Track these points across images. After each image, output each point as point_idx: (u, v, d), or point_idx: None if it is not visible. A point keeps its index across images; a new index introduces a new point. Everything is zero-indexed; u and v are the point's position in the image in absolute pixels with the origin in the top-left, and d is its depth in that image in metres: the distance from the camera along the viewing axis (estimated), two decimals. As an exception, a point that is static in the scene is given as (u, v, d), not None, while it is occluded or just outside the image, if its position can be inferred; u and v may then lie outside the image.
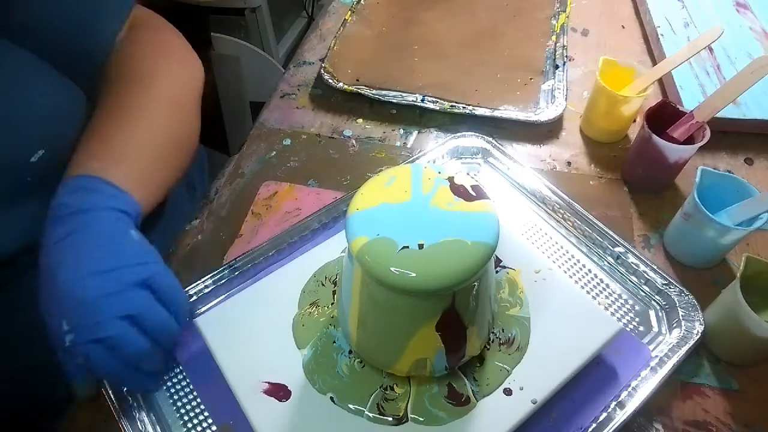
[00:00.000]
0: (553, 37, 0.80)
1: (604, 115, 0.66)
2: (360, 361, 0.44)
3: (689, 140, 0.58)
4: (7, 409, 0.55)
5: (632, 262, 0.53)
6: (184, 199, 0.71)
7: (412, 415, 0.42)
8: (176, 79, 0.55)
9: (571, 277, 0.53)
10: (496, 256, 0.49)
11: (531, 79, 0.74)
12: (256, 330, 0.46)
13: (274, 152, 0.68)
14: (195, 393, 0.47)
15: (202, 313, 0.51)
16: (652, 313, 0.51)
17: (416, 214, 0.37)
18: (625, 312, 0.51)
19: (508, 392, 0.43)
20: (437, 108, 0.70)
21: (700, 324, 0.48)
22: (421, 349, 0.40)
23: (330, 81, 0.73)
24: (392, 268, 0.35)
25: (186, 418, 0.45)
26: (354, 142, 0.69)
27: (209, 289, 0.53)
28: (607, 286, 0.53)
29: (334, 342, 0.45)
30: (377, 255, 0.35)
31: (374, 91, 0.72)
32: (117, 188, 0.44)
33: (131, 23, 0.57)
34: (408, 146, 0.68)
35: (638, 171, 0.62)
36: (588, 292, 0.52)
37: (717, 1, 0.84)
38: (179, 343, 0.45)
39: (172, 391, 0.47)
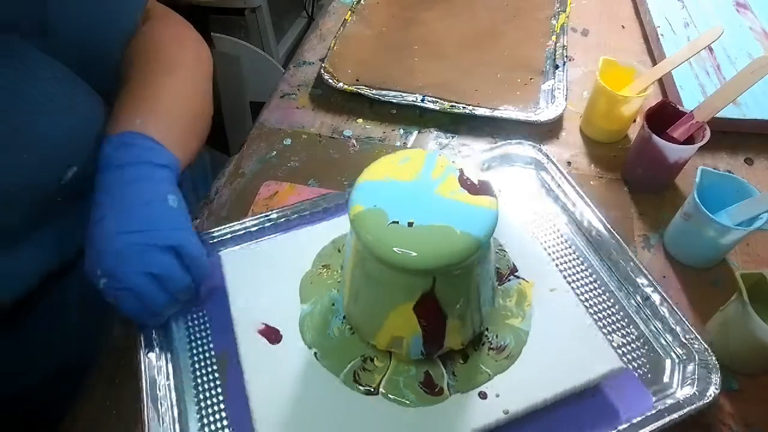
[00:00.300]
0: (553, 37, 0.80)
1: (604, 115, 0.66)
2: (350, 328, 0.46)
3: (689, 140, 0.58)
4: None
5: (661, 308, 0.49)
6: (189, 201, 0.71)
7: (383, 390, 0.43)
8: (192, 60, 0.58)
9: (591, 305, 0.50)
10: (514, 265, 0.50)
11: (531, 79, 0.74)
12: (269, 276, 0.50)
13: (275, 152, 0.68)
14: (207, 319, 0.50)
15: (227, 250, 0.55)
16: (668, 362, 0.47)
17: (418, 195, 0.38)
18: (639, 354, 0.48)
19: (483, 395, 0.43)
20: (437, 108, 0.70)
21: (716, 388, 0.44)
22: (399, 326, 0.42)
23: (330, 81, 0.73)
24: (376, 238, 0.36)
25: (193, 339, 0.49)
26: (354, 142, 0.69)
27: (242, 232, 0.56)
28: (628, 324, 0.49)
29: (333, 305, 0.48)
30: (368, 223, 0.37)
31: (374, 91, 0.72)
32: (160, 144, 0.47)
33: (144, 16, 0.58)
34: (408, 146, 0.68)
35: (638, 171, 0.62)
36: (606, 326, 0.49)
37: (717, 1, 0.84)
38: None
39: (189, 317, 0.51)
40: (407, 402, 0.42)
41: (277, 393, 0.43)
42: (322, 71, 0.74)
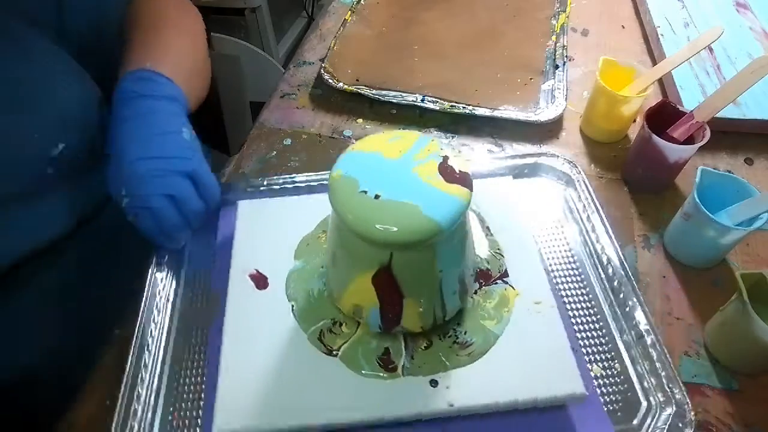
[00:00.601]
0: (553, 37, 0.80)
1: (604, 115, 0.66)
2: (329, 293, 0.48)
3: (689, 140, 0.58)
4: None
5: (651, 350, 0.46)
6: None
7: (341, 354, 0.45)
8: (193, 23, 0.63)
9: (580, 330, 0.49)
10: (506, 270, 0.50)
11: (531, 79, 0.74)
12: (274, 231, 0.53)
13: (275, 152, 0.68)
14: (214, 260, 0.54)
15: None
16: (643, 405, 0.45)
17: (395, 172, 0.40)
18: (615, 390, 0.45)
19: (433, 383, 0.43)
20: (437, 108, 0.70)
21: None
22: (359, 295, 0.43)
23: (330, 81, 0.73)
24: (342, 204, 0.39)
25: (197, 276, 0.54)
26: (354, 141, 0.69)
27: (264, 188, 0.60)
28: (613, 357, 0.47)
29: (322, 267, 0.50)
30: (339, 189, 0.39)
31: (374, 91, 0.72)
32: (171, 81, 0.52)
33: None
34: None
35: (638, 171, 0.62)
36: (589, 354, 0.48)
37: (717, 1, 0.84)
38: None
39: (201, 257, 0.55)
40: (361, 371, 0.44)
41: (248, 332, 0.47)
42: (322, 71, 0.74)
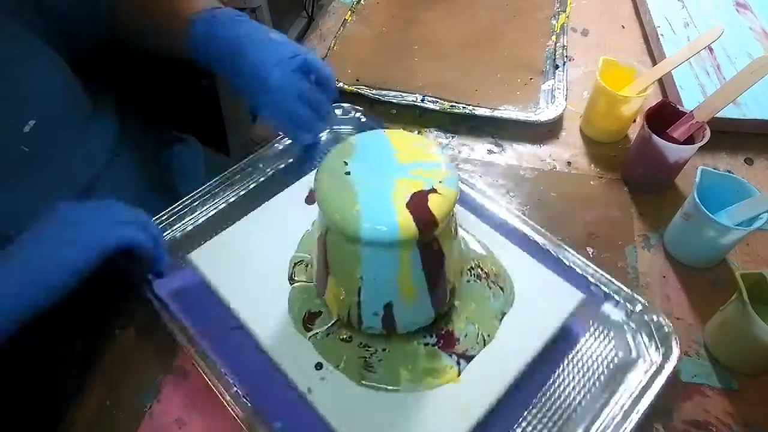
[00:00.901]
0: (553, 37, 0.80)
1: (604, 115, 0.66)
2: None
3: (689, 140, 0.58)
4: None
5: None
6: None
7: (316, 334, 0.47)
8: None
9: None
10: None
11: (531, 79, 0.74)
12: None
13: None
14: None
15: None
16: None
17: (384, 169, 0.41)
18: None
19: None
20: (437, 108, 0.70)
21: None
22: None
23: None
24: (326, 159, 0.43)
25: None
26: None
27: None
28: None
29: None
30: (336, 151, 0.43)
31: (374, 91, 0.72)
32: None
33: None
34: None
35: (638, 171, 0.62)
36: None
37: (717, 1, 0.84)
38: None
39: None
40: (325, 352, 0.46)
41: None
42: None
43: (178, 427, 0.45)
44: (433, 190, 0.40)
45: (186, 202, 0.60)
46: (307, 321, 0.48)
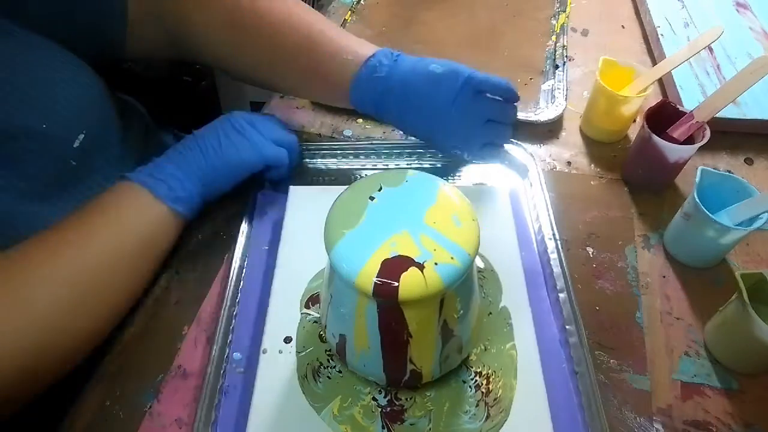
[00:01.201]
0: (553, 37, 0.80)
1: (604, 115, 0.66)
2: None
3: (689, 140, 0.58)
4: None
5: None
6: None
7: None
8: None
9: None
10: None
11: (531, 79, 0.74)
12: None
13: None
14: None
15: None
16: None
17: (403, 217, 0.39)
18: None
19: None
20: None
21: None
22: None
23: None
24: (361, 178, 0.42)
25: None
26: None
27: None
28: None
29: None
30: (371, 179, 0.42)
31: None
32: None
33: None
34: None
35: (638, 171, 0.62)
36: None
37: (717, 1, 0.84)
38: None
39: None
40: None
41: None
42: None
43: (178, 427, 0.45)
44: (420, 266, 0.36)
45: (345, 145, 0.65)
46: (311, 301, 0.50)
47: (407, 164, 0.65)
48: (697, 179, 0.52)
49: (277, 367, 0.46)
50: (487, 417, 0.44)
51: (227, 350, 0.48)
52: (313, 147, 0.65)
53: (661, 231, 0.58)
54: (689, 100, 0.68)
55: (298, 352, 0.47)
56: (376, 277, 0.36)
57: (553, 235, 0.55)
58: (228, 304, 0.51)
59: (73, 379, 0.49)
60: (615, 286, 0.54)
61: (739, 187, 0.53)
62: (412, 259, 0.36)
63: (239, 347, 0.49)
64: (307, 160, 0.65)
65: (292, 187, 0.60)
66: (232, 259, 0.54)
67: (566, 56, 0.76)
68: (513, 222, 0.57)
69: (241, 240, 0.56)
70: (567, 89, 0.71)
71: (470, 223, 0.39)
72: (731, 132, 0.67)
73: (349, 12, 0.85)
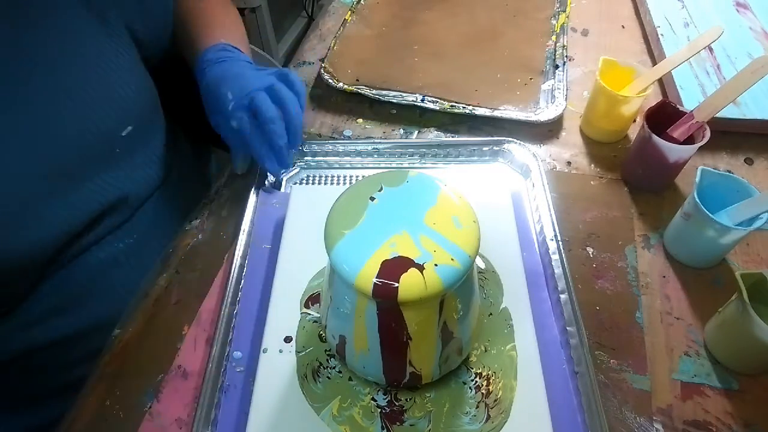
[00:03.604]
0: (553, 37, 0.80)
1: (604, 115, 0.66)
2: None
3: (689, 140, 0.58)
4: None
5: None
6: (189, 199, 0.72)
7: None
8: (236, 14, 0.72)
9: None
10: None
11: (531, 79, 0.74)
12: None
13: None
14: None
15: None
16: None
17: (404, 218, 0.39)
18: None
19: None
20: (437, 108, 0.70)
21: None
22: None
23: (330, 81, 0.73)
24: (364, 178, 0.42)
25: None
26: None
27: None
28: None
29: None
30: (362, 185, 0.41)
31: (374, 91, 0.72)
32: (240, 50, 0.62)
33: None
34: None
35: (638, 171, 0.62)
36: None
37: (717, 1, 0.84)
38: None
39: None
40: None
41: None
42: (322, 71, 0.74)
43: (178, 427, 0.45)
44: (420, 268, 0.36)
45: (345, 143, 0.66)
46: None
47: (409, 164, 0.65)
48: (697, 179, 0.52)
49: (277, 366, 0.47)
50: (488, 418, 0.44)
51: (227, 349, 0.49)
52: (314, 146, 0.65)
53: (661, 231, 0.58)
54: (689, 100, 0.68)
55: (298, 352, 0.48)
56: (376, 277, 0.35)
57: (555, 236, 0.55)
58: (228, 302, 0.51)
59: (73, 378, 0.49)
60: (615, 286, 0.54)
61: (739, 187, 0.53)
62: (412, 260, 0.36)
63: (239, 346, 0.49)
64: (309, 158, 0.65)
65: (293, 186, 0.61)
66: (233, 258, 0.54)
67: (566, 56, 0.76)
68: (514, 223, 0.57)
69: (242, 238, 0.56)
70: (567, 89, 0.71)
71: (471, 225, 0.38)
72: (731, 132, 0.67)
73: (349, 12, 0.86)
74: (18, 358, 0.54)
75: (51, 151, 0.50)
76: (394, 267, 0.36)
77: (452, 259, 0.36)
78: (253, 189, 0.61)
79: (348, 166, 0.65)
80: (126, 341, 0.51)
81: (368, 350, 0.41)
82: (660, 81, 0.73)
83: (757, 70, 0.54)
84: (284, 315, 0.50)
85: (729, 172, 0.64)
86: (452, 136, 0.69)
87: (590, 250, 0.57)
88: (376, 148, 0.65)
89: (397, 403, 0.45)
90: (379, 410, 0.44)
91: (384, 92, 0.72)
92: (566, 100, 0.70)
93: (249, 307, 0.51)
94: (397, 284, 0.35)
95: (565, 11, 0.85)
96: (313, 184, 0.63)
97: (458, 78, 0.74)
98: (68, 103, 0.51)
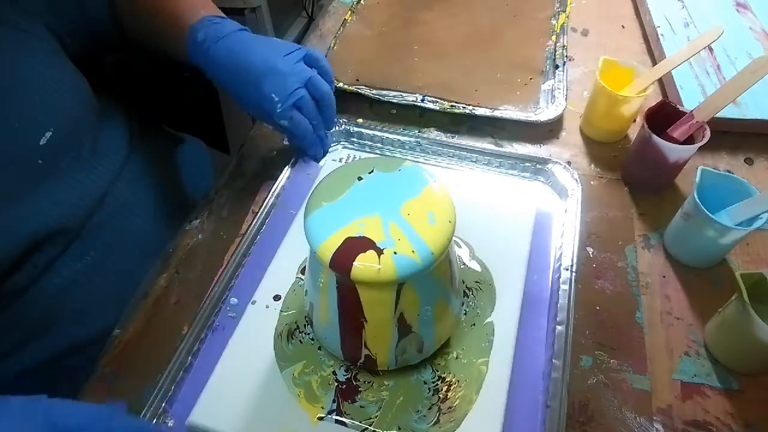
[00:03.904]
0: (553, 37, 0.80)
1: (604, 115, 0.66)
2: None
3: (689, 140, 0.58)
4: None
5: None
6: (190, 199, 0.72)
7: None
8: None
9: None
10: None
11: (531, 79, 0.74)
12: None
13: (275, 152, 0.68)
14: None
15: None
16: None
17: (382, 202, 0.40)
18: None
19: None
20: (437, 108, 0.70)
21: None
22: None
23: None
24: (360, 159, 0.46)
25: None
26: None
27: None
28: None
29: None
30: (367, 160, 0.43)
31: (374, 91, 0.72)
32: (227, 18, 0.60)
33: None
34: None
35: (638, 171, 0.62)
36: None
37: (717, 1, 0.84)
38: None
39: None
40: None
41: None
42: None
43: None
44: (379, 252, 0.37)
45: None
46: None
47: (447, 163, 0.65)
48: (697, 179, 0.52)
49: (259, 318, 0.50)
50: (437, 422, 0.43)
51: (226, 294, 0.52)
52: (362, 129, 0.67)
53: (661, 231, 0.58)
54: (689, 100, 0.68)
55: (281, 311, 0.50)
56: (335, 251, 0.37)
57: (571, 266, 0.52)
58: (240, 252, 0.55)
59: (73, 378, 0.49)
60: (615, 286, 0.54)
61: (739, 187, 0.53)
62: (374, 243, 0.37)
63: (238, 294, 0.52)
64: (354, 139, 0.68)
65: (328, 162, 0.64)
66: (257, 214, 0.58)
67: (566, 56, 0.76)
68: (529, 243, 0.55)
69: (269, 200, 0.60)
70: (567, 89, 0.71)
71: (444, 224, 0.38)
72: (731, 132, 0.67)
73: (349, 12, 0.85)
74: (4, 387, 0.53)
75: None
76: (355, 245, 0.37)
77: (413, 251, 0.37)
78: (292, 158, 0.64)
79: (388, 153, 0.66)
80: (126, 341, 0.51)
81: (329, 322, 0.43)
82: (660, 81, 0.73)
83: (757, 70, 0.54)
84: (281, 275, 0.53)
85: (729, 172, 0.64)
86: (452, 136, 0.69)
87: (590, 250, 0.57)
88: (419, 142, 0.66)
89: (355, 383, 0.46)
90: (336, 384, 0.46)
91: (384, 92, 0.72)
92: (566, 100, 0.70)
93: (257, 262, 0.54)
94: (353, 262, 0.36)
95: (565, 11, 0.85)
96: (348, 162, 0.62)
97: (458, 78, 0.74)
98: None
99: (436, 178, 0.41)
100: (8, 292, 0.50)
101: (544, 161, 0.62)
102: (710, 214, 0.50)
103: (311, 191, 0.41)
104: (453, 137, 0.69)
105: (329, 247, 0.37)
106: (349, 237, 0.37)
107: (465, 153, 0.65)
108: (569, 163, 0.66)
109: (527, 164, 0.63)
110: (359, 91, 0.72)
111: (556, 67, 0.75)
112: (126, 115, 0.66)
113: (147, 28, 0.63)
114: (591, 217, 0.59)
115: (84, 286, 0.55)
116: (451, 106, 0.70)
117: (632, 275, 0.54)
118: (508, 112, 0.69)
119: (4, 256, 0.48)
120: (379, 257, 0.36)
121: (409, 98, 0.71)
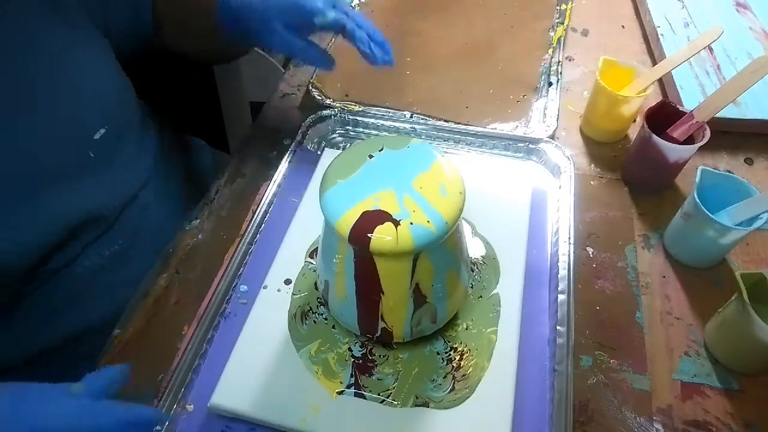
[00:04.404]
0: (550, 51, 0.78)
1: (604, 115, 0.66)
2: None
3: (689, 140, 0.58)
4: None
5: None
6: (189, 200, 0.72)
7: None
8: None
9: None
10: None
11: (524, 95, 0.72)
12: None
13: (274, 152, 0.67)
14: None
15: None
16: None
17: (395, 177, 0.41)
18: None
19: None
20: (425, 127, 0.67)
21: None
22: None
23: (318, 98, 0.71)
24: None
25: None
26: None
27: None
28: None
29: None
30: (359, 146, 0.44)
31: (363, 109, 0.69)
32: None
33: None
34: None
35: (638, 171, 0.62)
36: None
37: (717, 1, 0.84)
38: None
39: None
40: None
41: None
42: (310, 87, 0.72)
43: None
44: (396, 223, 0.38)
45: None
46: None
47: (443, 147, 0.66)
48: (697, 179, 0.52)
49: (272, 302, 0.51)
50: (452, 389, 0.45)
51: (236, 281, 0.53)
52: (357, 117, 0.68)
53: (661, 231, 0.58)
54: (689, 100, 0.68)
55: (293, 294, 0.51)
56: (354, 224, 0.38)
57: (569, 238, 0.54)
58: (246, 241, 0.56)
59: (72, 378, 0.49)
60: (615, 286, 0.54)
61: (739, 187, 0.53)
62: (391, 215, 0.38)
63: (247, 281, 0.53)
64: (350, 127, 0.69)
65: (327, 150, 0.65)
66: (259, 203, 0.59)
67: (560, 73, 0.74)
68: (528, 218, 0.57)
69: (272, 188, 0.60)
70: (559, 108, 0.69)
71: (456, 195, 0.40)
72: (731, 132, 0.67)
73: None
74: (17, 366, 0.54)
75: (11, 159, 0.47)
76: (373, 218, 0.38)
77: (428, 221, 0.38)
78: (291, 148, 0.65)
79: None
80: (126, 341, 0.51)
81: (346, 297, 0.44)
82: (660, 81, 0.73)
83: (757, 70, 0.54)
84: (290, 259, 0.54)
85: (729, 172, 0.64)
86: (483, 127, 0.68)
87: (590, 250, 0.57)
88: (414, 128, 0.67)
89: (371, 357, 0.47)
90: (353, 360, 0.47)
91: (374, 110, 0.70)
92: (557, 120, 0.67)
93: (264, 249, 0.56)
94: (371, 234, 0.37)
95: (563, 23, 0.83)
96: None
97: (449, 94, 0.72)
98: (31, 102, 0.49)
99: (443, 154, 0.43)
100: (44, 272, 0.52)
101: (536, 141, 0.64)
102: (710, 214, 0.50)
103: (325, 171, 0.42)
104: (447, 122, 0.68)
105: (347, 221, 0.38)
106: (366, 210, 0.38)
107: (460, 136, 0.66)
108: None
109: (520, 144, 0.65)
110: (348, 107, 0.70)
111: (550, 84, 0.73)
112: (156, 117, 0.68)
113: (177, 10, 0.64)
114: (591, 217, 0.59)
115: (107, 273, 0.57)
116: (440, 125, 0.67)
117: (632, 275, 0.54)
118: (498, 131, 0.67)
119: (52, 238, 0.50)
120: (396, 228, 0.38)
121: (399, 118, 0.69)
